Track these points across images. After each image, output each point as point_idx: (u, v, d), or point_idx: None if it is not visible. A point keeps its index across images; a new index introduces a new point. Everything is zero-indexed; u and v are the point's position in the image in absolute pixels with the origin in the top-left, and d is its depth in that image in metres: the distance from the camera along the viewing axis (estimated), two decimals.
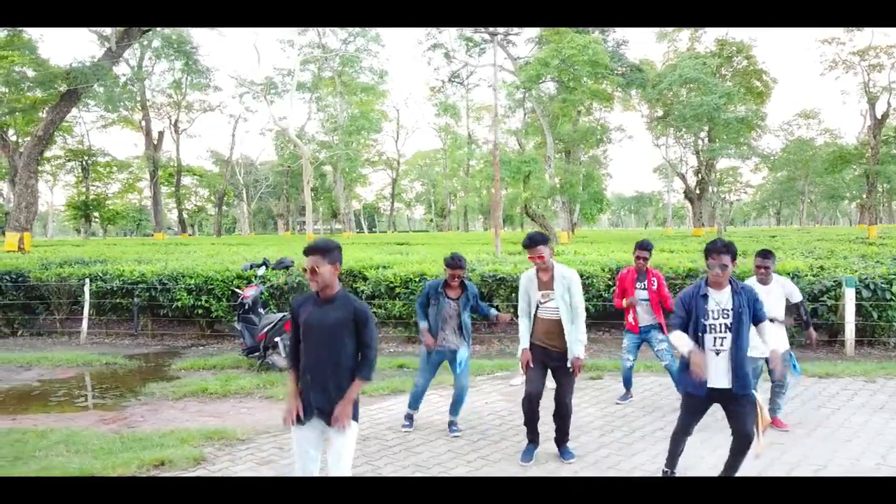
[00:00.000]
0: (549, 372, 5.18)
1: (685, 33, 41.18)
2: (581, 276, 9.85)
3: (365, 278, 11.27)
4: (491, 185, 78.10)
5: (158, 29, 35.15)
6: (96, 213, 61.01)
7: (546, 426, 5.40)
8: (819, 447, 5.40)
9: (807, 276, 9.68)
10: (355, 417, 3.61)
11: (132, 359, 9.84)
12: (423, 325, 5.94)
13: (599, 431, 5.97)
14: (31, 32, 25.59)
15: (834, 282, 9.61)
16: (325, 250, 3.53)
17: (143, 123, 49.27)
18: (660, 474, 4.57)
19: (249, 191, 72.40)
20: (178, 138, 58.31)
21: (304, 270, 3.58)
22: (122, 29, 23.68)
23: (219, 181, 64.58)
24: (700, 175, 35.36)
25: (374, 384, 7.64)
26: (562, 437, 5.21)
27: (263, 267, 9.73)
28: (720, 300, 4.14)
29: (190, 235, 65.88)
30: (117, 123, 49.37)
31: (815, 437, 5.68)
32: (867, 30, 32.67)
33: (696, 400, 4.26)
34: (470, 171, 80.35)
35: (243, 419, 6.61)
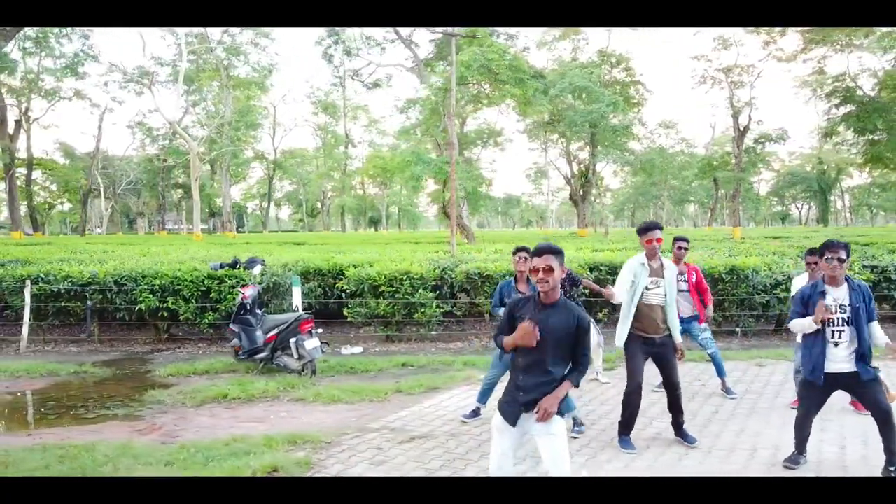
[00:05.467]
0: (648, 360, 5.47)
1: (567, 43, 43.28)
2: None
3: (339, 275, 11.07)
4: (369, 183, 77.19)
5: None
6: None
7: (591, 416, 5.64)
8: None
9: (763, 271, 10.64)
10: (560, 413, 3.62)
11: (100, 366, 9.03)
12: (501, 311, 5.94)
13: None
14: None
15: (783, 276, 10.65)
16: (558, 251, 3.53)
17: None
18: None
19: (115, 187, 67.19)
20: (28, 128, 53.12)
21: (534, 271, 3.52)
22: None
23: (75, 176, 59.47)
24: (587, 178, 37.38)
25: (408, 384, 7.59)
26: (678, 417, 5.45)
27: (259, 266, 9.25)
28: (837, 296, 4.58)
29: (42, 235, 60.15)
30: None
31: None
32: (732, 49, 36.19)
33: (814, 387, 4.71)
34: (346, 169, 79.65)
35: (291, 423, 6.33)
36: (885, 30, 24.83)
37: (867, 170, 35.22)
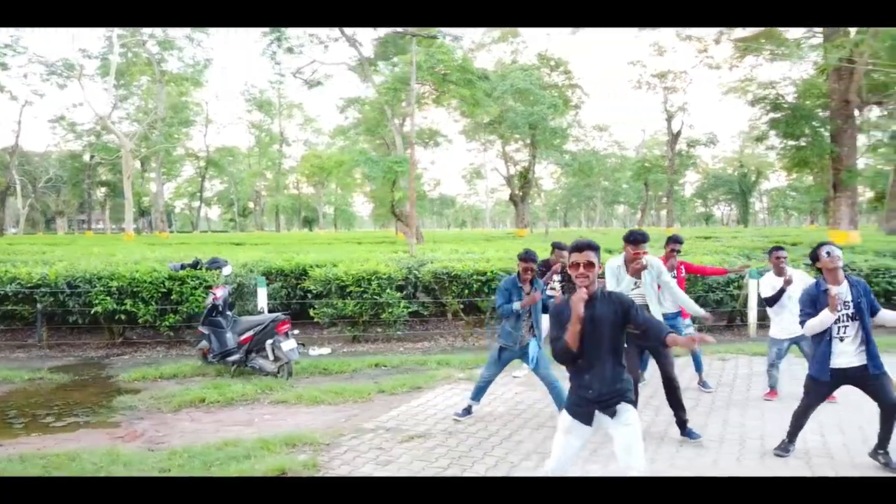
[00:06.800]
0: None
1: (505, 45, 43.82)
2: (483, 273, 10.39)
3: (302, 275, 10.94)
4: (304, 183, 76.08)
5: None
6: None
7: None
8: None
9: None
10: (636, 405, 3.60)
11: (56, 372, 8.60)
12: (515, 305, 5.98)
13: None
14: None
15: (736, 275, 11.10)
16: (596, 247, 3.53)
17: None
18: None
19: (34, 185, 63.86)
20: None
21: (574, 266, 3.51)
22: None
23: None
24: (526, 178, 37.94)
25: (389, 384, 7.56)
26: (680, 413, 5.55)
27: (230, 266, 9.01)
28: (840, 293, 4.80)
29: None
30: None
31: None
32: (667, 55, 37.52)
33: (821, 384, 4.93)
34: (280, 168, 78.26)
35: (279, 426, 6.21)
36: (811, 41, 26.16)
37: (791, 173, 37.21)
